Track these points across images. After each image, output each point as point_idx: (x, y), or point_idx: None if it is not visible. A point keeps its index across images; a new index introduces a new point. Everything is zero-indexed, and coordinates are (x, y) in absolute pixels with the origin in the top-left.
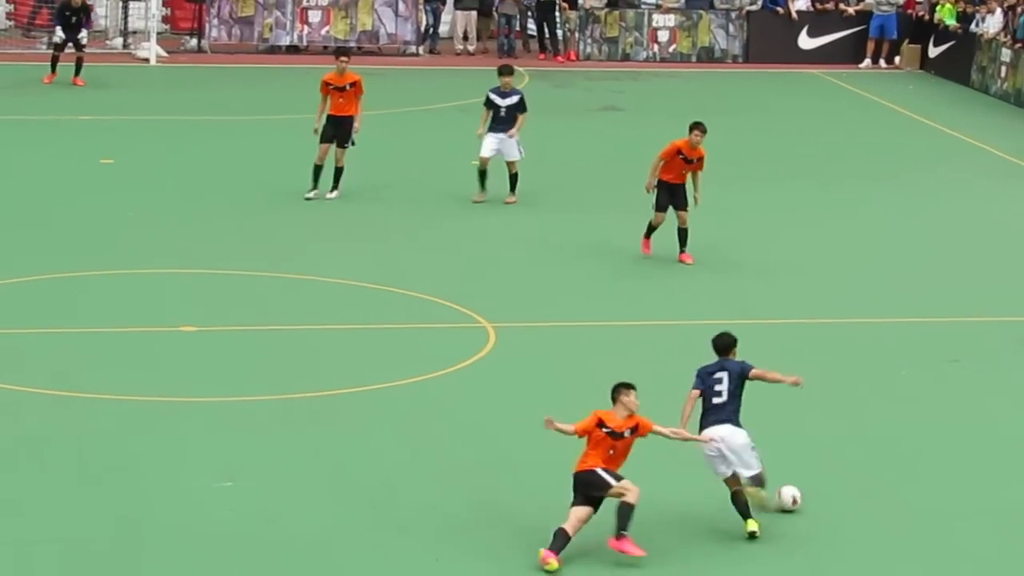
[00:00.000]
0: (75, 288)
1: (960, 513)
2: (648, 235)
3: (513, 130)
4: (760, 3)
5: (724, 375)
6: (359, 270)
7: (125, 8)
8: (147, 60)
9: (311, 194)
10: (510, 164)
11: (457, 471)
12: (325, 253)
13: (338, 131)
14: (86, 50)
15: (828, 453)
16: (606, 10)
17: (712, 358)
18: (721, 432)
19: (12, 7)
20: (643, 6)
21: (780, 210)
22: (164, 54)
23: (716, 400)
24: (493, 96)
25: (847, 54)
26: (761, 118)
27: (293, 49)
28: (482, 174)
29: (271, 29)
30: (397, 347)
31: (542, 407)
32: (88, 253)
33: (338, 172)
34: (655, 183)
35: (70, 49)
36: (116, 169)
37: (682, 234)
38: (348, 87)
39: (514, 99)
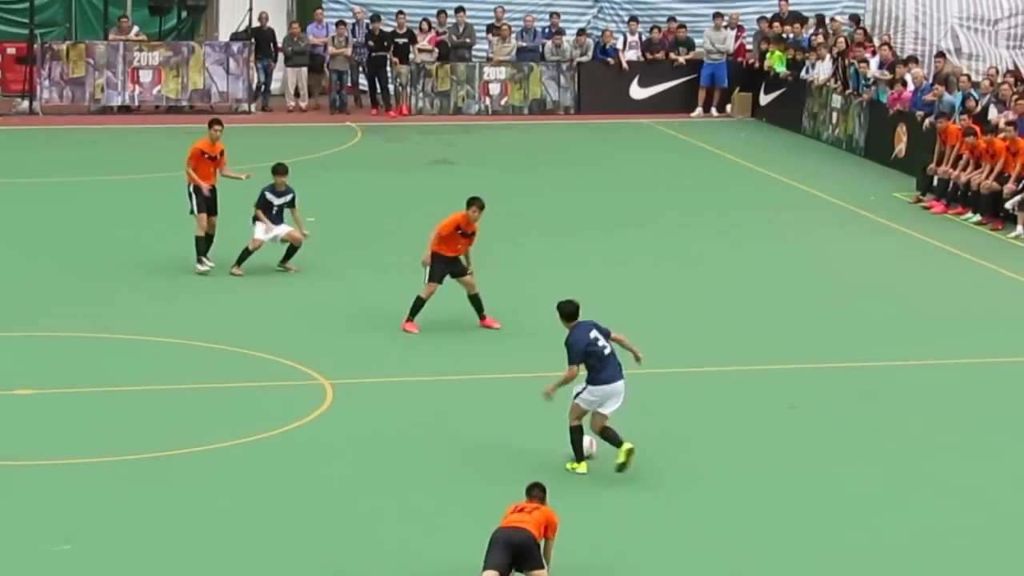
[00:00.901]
0: None
1: (798, 559)
2: (414, 314)
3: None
4: (591, 54)
5: (597, 332)
6: (192, 329)
7: None
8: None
9: (205, 268)
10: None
11: (301, 530)
12: (158, 312)
13: (215, 199)
14: None
15: (667, 498)
16: (437, 64)
17: None
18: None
19: None
20: (474, 59)
21: (613, 261)
22: None
23: (606, 351)
24: (269, 195)
25: (679, 103)
26: (594, 169)
27: (125, 109)
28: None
29: (103, 89)
30: (234, 406)
31: (383, 462)
32: None
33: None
34: (430, 257)
35: None
36: None
37: (475, 300)
38: (219, 155)
39: (288, 197)
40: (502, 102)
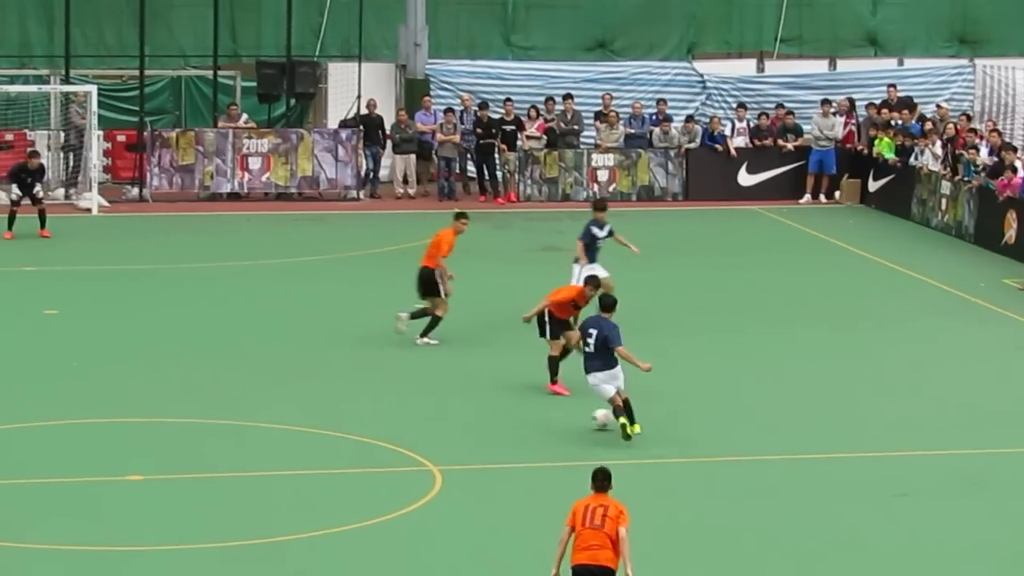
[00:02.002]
0: (21, 438)
1: None
2: (555, 374)
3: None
4: (698, 141)
5: (594, 332)
6: (300, 414)
7: (67, 158)
8: (89, 210)
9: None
10: None
11: None
12: (269, 398)
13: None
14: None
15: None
16: (545, 151)
17: None
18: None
19: None
20: (582, 146)
21: (720, 349)
22: (106, 204)
23: (587, 350)
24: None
25: (787, 189)
26: (703, 256)
27: (234, 196)
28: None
29: (212, 177)
30: (343, 492)
31: (492, 551)
32: (32, 403)
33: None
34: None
35: (26, 202)
36: (60, 319)
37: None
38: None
39: (607, 229)
40: (610, 189)
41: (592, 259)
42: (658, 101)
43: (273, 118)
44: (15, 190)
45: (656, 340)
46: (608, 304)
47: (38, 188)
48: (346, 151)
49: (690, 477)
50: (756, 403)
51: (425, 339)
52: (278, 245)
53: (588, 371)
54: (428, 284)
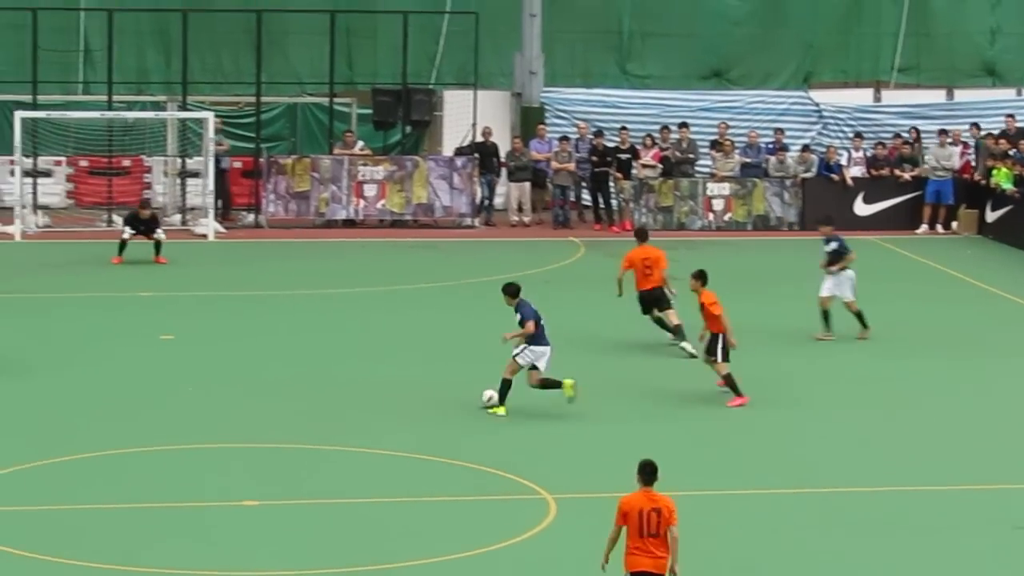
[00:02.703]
0: (136, 463)
1: None
2: (737, 390)
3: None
4: (814, 170)
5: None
6: (414, 442)
7: (183, 186)
8: (205, 236)
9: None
10: (847, 304)
11: None
12: (382, 426)
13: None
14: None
15: None
16: (660, 179)
17: None
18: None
19: (73, 186)
20: (697, 175)
21: (838, 377)
22: (222, 230)
23: (542, 321)
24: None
25: (904, 220)
26: (818, 286)
27: (349, 223)
28: (824, 314)
29: (327, 203)
30: (456, 520)
31: None
32: (148, 428)
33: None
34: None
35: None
36: (176, 344)
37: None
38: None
39: (834, 245)
40: (725, 218)
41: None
42: (776, 130)
43: (388, 145)
44: (127, 231)
45: (774, 366)
46: (513, 291)
47: (158, 232)
48: (461, 178)
49: (805, 508)
50: (873, 433)
51: (685, 344)
52: (393, 272)
53: (547, 343)
54: (661, 299)
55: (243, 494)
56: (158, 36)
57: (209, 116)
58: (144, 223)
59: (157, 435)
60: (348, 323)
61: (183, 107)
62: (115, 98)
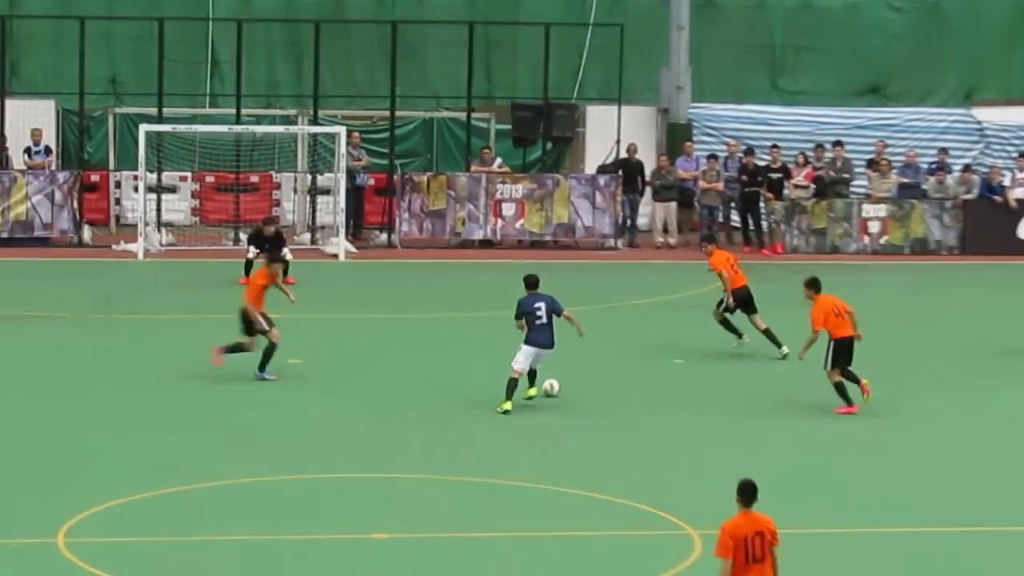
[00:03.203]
0: (264, 492)
1: None
2: (847, 400)
3: None
4: (976, 192)
5: (543, 304)
6: (556, 473)
7: (313, 203)
8: (336, 256)
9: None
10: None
11: None
12: (522, 456)
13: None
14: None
15: None
16: (813, 200)
17: None
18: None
19: (198, 202)
20: (852, 196)
21: (997, 412)
22: (353, 249)
23: (538, 323)
24: None
25: None
26: (981, 315)
27: (486, 243)
28: None
29: (463, 223)
30: (592, 556)
31: None
32: (275, 457)
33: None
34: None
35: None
36: (304, 369)
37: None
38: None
39: None
40: (881, 241)
41: None
42: (938, 150)
43: (528, 162)
44: (252, 250)
45: (919, 400)
46: (535, 281)
47: (286, 252)
48: (604, 198)
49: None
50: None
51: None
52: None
53: (545, 344)
54: (750, 301)
55: (373, 526)
56: (289, 48)
57: (341, 131)
58: (268, 240)
59: (285, 464)
60: (485, 348)
61: (314, 121)
62: (243, 112)
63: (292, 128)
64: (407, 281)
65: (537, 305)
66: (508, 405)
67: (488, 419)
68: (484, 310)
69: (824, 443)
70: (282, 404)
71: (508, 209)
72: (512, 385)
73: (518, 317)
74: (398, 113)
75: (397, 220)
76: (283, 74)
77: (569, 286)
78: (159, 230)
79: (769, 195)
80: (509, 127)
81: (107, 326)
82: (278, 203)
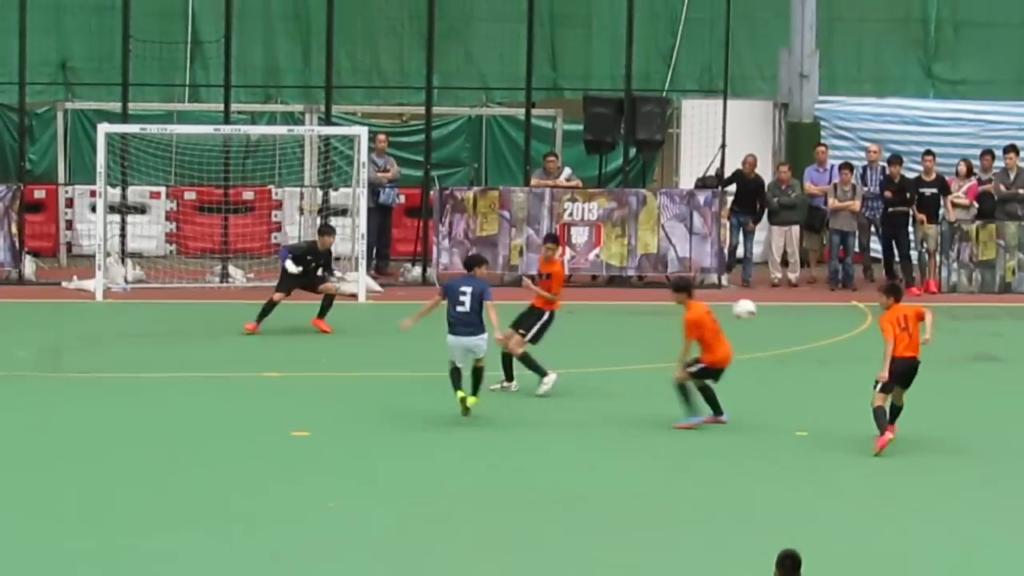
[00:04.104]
0: None
1: None
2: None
3: None
4: None
5: (470, 288)
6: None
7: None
8: (354, 296)
9: None
10: None
11: None
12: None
13: None
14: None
15: None
16: (978, 223)
17: None
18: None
19: (175, 226)
20: None
21: None
22: (377, 288)
23: (459, 308)
24: None
25: None
26: None
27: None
28: None
29: (521, 253)
30: None
31: None
32: (267, 553)
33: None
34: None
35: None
36: (311, 444)
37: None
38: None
39: None
40: None
41: None
42: None
43: (606, 174)
44: (291, 265)
45: None
46: (472, 262)
47: (333, 279)
48: (705, 221)
49: None
50: None
51: None
52: (608, 347)
53: (459, 334)
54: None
55: None
56: (293, 23)
57: (362, 132)
58: (318, 258)
59: (279, 562)
60: (538, 416)
61: (327, 120)
62: (234, 107)
63: (298, 129)
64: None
65: (463, 288)
66: (462, 393)
67: (555, 504)
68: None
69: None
70: (283, 488)
71: (579, 235)
72: (454, 375)
73: (439, 292)
74: (436, 109)
75: (435, 249)
76: (286, 58)
77: (654, 334)
78: (124, 263)
79: (921, 216)
80: (581, 128)
81: (55, 387)
82: (279, 227)
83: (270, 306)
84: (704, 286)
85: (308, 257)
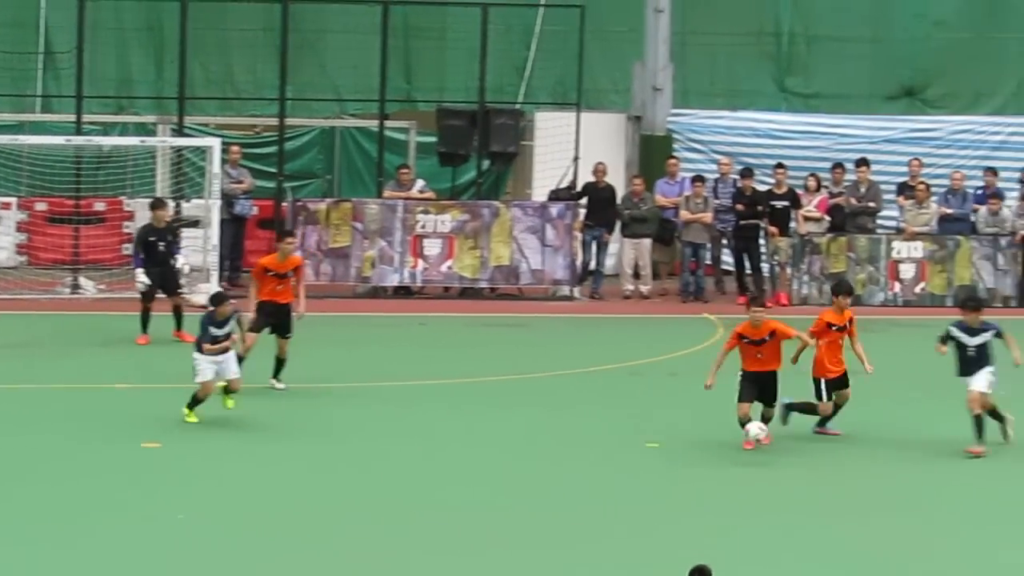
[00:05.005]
0: None
1: None
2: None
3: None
4: None
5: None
6: None
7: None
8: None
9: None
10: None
11: None
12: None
13: (277, 319)
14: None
15: None
16: (829, 236)
17: None
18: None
19: (26, 237)
20: (880, 231)
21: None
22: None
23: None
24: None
25: None
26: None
27: (403, 292)
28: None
29: (373, 265)
30: None
31: None
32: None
33: (280, 363)
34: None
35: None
36: (162, 455)
37: None
38: (289, 273)
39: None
40: (917, 289)
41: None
42: (987, 171)
43: (459, 186)
44: (141, 276)
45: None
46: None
47: (179, 261)
48: (558, 233)
49: None
50: None
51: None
52: (461, 360)
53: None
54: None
55: None
56: (146, 34)
57: (215, 144)
58: (161, 236)
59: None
60: (392, 430)
61: (179, 132)
62: (86, 118)
63: (150, 140)
64: (298, 342)
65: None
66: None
67: (417, 520)
68: (398, 378)
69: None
70: (135, 494)
71: (432, 247)
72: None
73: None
74: (289, 121)
75: None
76: (139, 69)
77: (508, 347)
78: None
79: (772, 229)
80: (434, 140)
81: None
82: (131, 238)
83: (146, 315)
84: (556, 298)
85: (151, 239)
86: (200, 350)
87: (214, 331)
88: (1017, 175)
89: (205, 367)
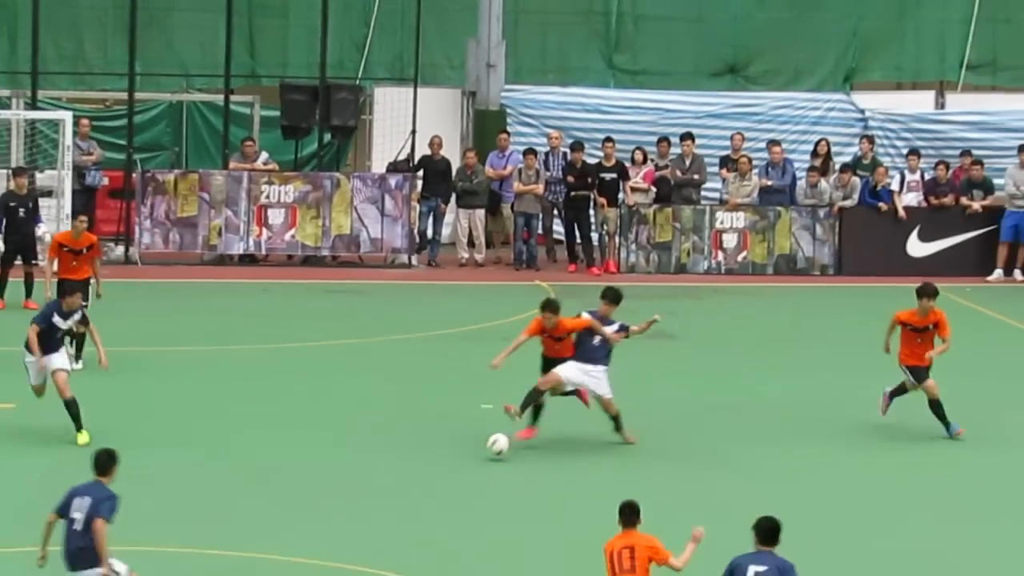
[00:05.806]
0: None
1: None
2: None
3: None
4: (857, 197)
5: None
6: (322, 545)
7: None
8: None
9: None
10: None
11: None
12: (278, 525)
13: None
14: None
15: None
16: (655, 207)
17: None
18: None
19: None
20: (704, 202)
21: (876, 467)
22: None
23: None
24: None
25: (972, 263)
26: (859, 349)
27: (248, 259)
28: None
29: (219, 233)
30: None
31: None
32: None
33: (80, 340)
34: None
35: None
36: (16, 416)
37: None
38: (85, 250)
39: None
40: (739, 258)
41: None
42: (817, 143)
43: (301, 158)
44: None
45: (779, 452)
46: None
47: (41, 229)
48: (396, 203)
49: None
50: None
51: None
52: (303, 325)
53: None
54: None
55: None
56: (0, 11)
57: (67, 117)
58: (22, 203)
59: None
60: (240, 390)
61: (32, 105)
62: None
63: (4, 113)
64: (147, 306)
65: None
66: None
67: (260, 485)
68: (243, 342)
69: None
70: None
71: (276, 216)
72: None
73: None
74: (138, 95)
75: (136, 230)
76: None
77: (348, 312)
78: None
79: (601, 200)
80: (278, 113)
81: None
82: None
83: (3, 280)
84: (395, 266)
85: (12, 204)
86: (28, 347)
87: (58, 321)
88: (835, 150)
89: (33, 370)
